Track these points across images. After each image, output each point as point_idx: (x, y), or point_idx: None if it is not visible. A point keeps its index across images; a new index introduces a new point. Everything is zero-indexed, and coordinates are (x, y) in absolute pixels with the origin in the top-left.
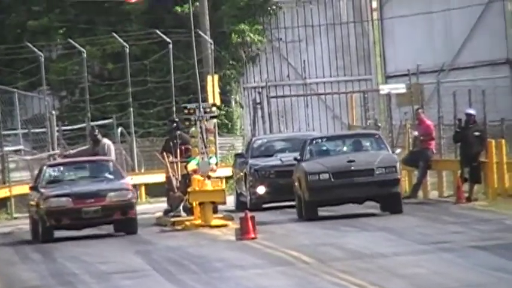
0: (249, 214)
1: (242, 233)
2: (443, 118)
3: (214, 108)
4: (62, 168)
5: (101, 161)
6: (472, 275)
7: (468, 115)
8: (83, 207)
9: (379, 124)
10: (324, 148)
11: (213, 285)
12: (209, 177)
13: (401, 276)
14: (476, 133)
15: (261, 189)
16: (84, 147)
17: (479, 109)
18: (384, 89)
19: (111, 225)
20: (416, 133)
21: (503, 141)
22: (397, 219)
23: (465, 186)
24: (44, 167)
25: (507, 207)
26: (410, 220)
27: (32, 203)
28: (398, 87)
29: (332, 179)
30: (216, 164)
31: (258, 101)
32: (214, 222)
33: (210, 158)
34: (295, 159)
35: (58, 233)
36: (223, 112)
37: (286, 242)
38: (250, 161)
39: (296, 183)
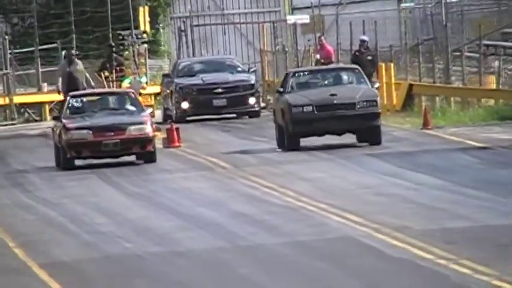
0: (174, 126)
1: (168, 142)
2: (341, 44)
3: (144, 35)
4: (84, 99)
5: (122, 93)
6: (365, 178)
7: (362, 41)
8: (103, 140)
9: (287, 49)
10: (306, 81)
11: (144, 186)
12: (140, 94)
13: (306, 179)
14: (369, 57)
15: (185, 105)
16: (57, 69)
17: (371, 37)
18: (291, 19)
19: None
20: (318, 56)
21: (391, 64)
22: None
23: None
24: (68, 98)
25: (394, 121)
26: None
27: (56, 132)
28: (303, 18)
29: (315, 112)
30: (146, 83)
31: (182, 28)
32: None
33: (141, 77)
34: (277, 91)
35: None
36: (152, 38)
37: (206, 150)
38: (176, 80)
39: (278, 114)
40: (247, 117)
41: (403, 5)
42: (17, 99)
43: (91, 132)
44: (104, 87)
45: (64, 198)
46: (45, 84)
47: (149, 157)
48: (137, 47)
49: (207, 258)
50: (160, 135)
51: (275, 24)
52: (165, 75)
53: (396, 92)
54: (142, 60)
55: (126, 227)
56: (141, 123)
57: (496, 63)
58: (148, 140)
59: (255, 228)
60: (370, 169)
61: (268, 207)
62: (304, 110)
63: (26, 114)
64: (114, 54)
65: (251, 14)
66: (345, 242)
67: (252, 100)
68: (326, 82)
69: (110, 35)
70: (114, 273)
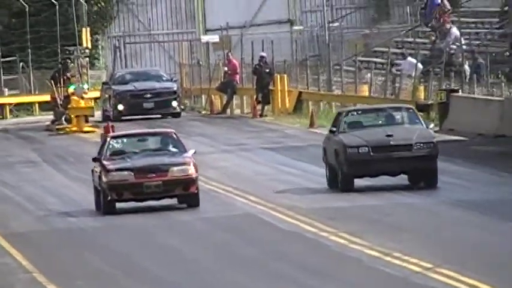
0: (110, 124)
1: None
2: (245, 59)
3: (87, 51)
4: (125, 140)
5: (164, 133)
6: (262, 167)
7: (261, 57)
8: (145, 182)
9: (201, 63)
10: (359, 120)
11: (84, 172)
12: (83, 98)
13: (214, 167)
14: (267, 70)
15: (120, 107)
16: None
17: (269, 53)
18: (204, 38)
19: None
20: (226, 69)
21: (285, 75)
22: (212, 127)
23: (259, 106)
24: (108, 139)
25: (287, 121)
26: (220, 129)
27: (96, 174)
28: (214, 38)
29: (371, 153)
30: (88, 89)
31: (117, 45)
32: (86, 129)
33: (83, 84)
34: (330, 131)
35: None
36: (93, 53)
37: None
38: (113, 87)
39: (330, 155)
40: (170, 117)
41: (294, 28)
42: None
43: (132, 173)
44: (54, 93)
45: (21, 181)
46: (6, 89)
47: (192, 200)
48: (81, 60)
49: (138, 230)
50: (98, 131)
51: (191, 43)
52: (104, 83)
53: (288, 97)
54: (85, 71)
55: (71, 205)
56: (183, 164)
57: (369, 75)
58: (191, 181)
59: (176, 206)
60: (267, 159)
61: None
62: (360, 151)
63: None
64: (67, 65)
65: (172, 34)
66: (246, 217)
67: (174, 103)
68: (380, 122)
69: (59, 51)
70: (61, 243)
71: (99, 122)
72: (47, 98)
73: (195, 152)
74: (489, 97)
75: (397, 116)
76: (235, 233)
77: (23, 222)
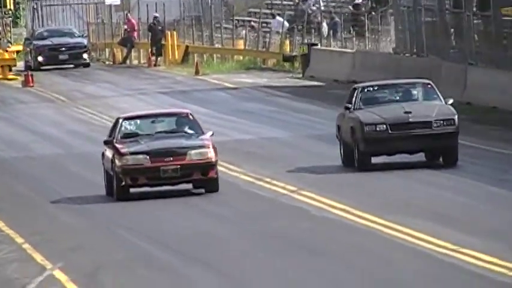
0: (30, 72)
1: (26, 83)
2: (141, 19)
3: (10, 12)
4: (138, 121)
5: (179, 113)
6: (156, 108)
7: (155, 17)
8: (161, 166)
9: (105, 22)
10: (375, 96)
11: (8, 112)
12: (7, 51)
13: (117, 108)
14: (160, 27)
15: (40, 58)
16: None
17: (161, 14)
18: (108, 1)
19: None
20: (125, 27)
21: (174, 32)
22: (115, 75)
23: (153, 58)
24: (120, 120)
25: (176, 70)
26: (122, 76)
27: (107, 157)
28: (116, 1)
29: (389, 131)
30: (11, 43)
31: (35, 7)
32: (10, 76)
33: (7, 40)
34: (346, 107)
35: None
36: (16, 14)
37: (51, 89)
38: (34, 42)
39: (345, 132)
40: (81, 67)
41: None
42: None
43: (148, 157)
44: None
45: None
46: None
47: (211, 185)
48: (5, 19)
49: (51, 161)
50: (20, 79)
51: (97, 5)
52: (26, 39)
53: (177, 50)
54: (8, 28)
55: None
56: (202, 146)
57: (244, 31)
58: (210, 166)
59: (83, 141)
60: (160, 101)
61: (92, 126)
62: (377, 128)
63: None
64: None
65: None
66: None
67: (85, 55)
68: (396, 97)
69: None
70: None
71: (21, 71)
72: None
73: (212, 134)
74: (343, 49)
75: (414, 91)
76: None
77: None
